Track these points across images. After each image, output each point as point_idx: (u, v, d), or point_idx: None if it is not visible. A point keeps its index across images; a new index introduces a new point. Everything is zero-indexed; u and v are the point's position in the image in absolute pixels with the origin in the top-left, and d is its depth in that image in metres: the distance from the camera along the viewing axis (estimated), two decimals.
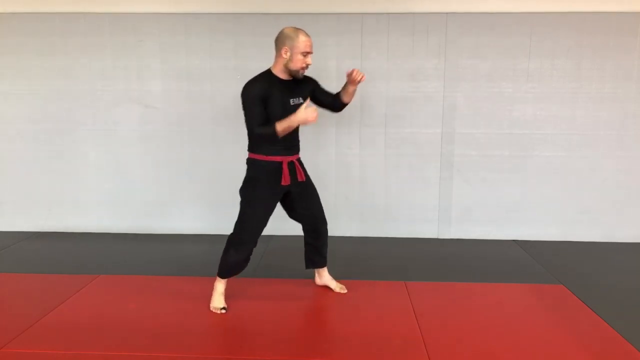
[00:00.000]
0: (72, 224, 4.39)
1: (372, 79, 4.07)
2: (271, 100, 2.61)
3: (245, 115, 2.64)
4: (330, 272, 3.13)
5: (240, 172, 4.09)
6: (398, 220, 4.26)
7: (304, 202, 2.87)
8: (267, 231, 2.85)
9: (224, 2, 4.05)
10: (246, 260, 2.79)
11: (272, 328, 2.62)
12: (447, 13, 3.99)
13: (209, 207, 4.31)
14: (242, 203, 2.76)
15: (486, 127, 4.10)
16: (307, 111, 2.58)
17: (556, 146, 4.09)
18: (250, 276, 3.14)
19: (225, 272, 2.81)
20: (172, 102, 4.18)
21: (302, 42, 2.61)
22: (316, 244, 2.98)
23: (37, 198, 4.36)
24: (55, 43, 4.14)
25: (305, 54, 2.63)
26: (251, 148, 2.78)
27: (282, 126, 2.57)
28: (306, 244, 3.01)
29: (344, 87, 2.84)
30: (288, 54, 2.62)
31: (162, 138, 4.23)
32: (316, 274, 3.11)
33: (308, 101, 2.70)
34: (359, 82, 2.77)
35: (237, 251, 2.74)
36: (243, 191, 2.77)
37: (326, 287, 3.09)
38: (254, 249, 2.79)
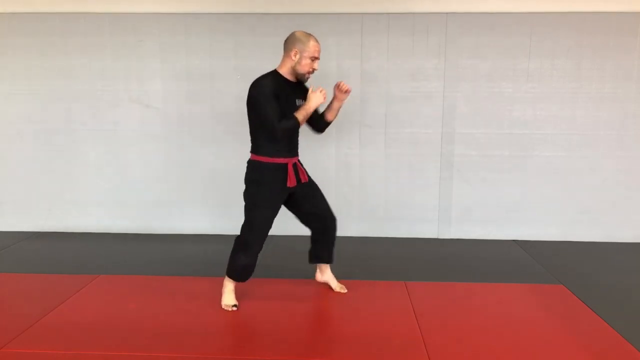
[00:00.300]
0: (72, 224, 4.39)
1: (372, 79, 4.08)
2: (280, 98, 2.63)
3: (260, 113, 2.62)
4: (332, 272, 3.13)
5: (240, 171, 4.07)
6: (398, 220, 4.27)
7: (310, 202, 2.88)
8: None
9: (224, 2, 4.05)
10: (254, 264, 2.79)
11: (272, 328, 2.62)
12: (447, 13, 3.99)
13: (209, 207, 4.31)
14: (247, 206, 2.76)
15: (486, 127, 4.10)
16: (317, 94, 2.65)
17: (556, 146, 4.09)
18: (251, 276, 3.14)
19: (234, 275, 2.81)
20: (172, 102, 4.18)
21: (312, 46, 2.65)
22: (324, 240, 2.97)
23: (37, 198, 4.36)
24: (55, 43, 4.14)
25: (314, 58, 2.68)
26: (254, 149, 2.77)
27: (301, 115, 2.62)
28: (313, 240, 3.00)
29: (329, 105, 2.87)
30: (297, 56, 2.66)
31: (162, 138, 4.23)
32: (318, 270, 3.09)
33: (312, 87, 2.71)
34: (346, 92, 2.80)
35: (246, 254, 2.75)
36: (247, 194, 2.77)
37: (326, 286, 3.09)
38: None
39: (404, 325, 2.64)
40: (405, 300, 2.94)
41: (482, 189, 4.17)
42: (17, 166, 4.32)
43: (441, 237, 4.27)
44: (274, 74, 2.72)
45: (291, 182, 2.71)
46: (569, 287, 3.16)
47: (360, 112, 4.11)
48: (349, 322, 2.72)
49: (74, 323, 2.64)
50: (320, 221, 2.93)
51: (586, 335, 2.56)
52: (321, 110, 2.90)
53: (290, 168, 2.72)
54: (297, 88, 2.74)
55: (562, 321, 2.70)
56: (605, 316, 2.74)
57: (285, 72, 2.71)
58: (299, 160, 2.85)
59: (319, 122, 2.89)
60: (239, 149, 4.19)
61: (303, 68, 2.67)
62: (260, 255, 2.80)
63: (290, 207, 2.91)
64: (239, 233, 2.79)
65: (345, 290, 3.04)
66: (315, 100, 2.65)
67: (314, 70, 2.71)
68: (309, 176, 2.89)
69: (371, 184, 4.23)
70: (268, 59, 4.04)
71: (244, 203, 2.77)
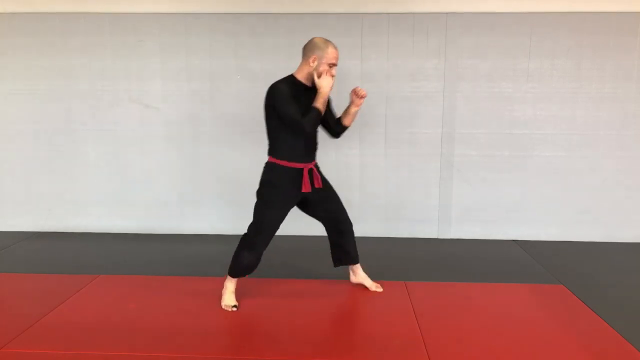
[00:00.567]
0: (72, 224, 4.39)
1: (372, 79, 4.08)
2: (297, 102, 2.64)
3: (283, 114, 2.62)
4: (332, 272, 3.13)
5: (240, 171, 4.09)
6: (398, 220, 4.27)
7: (323, 206, 2.90)
8: None
9: (224, 2, 4.05)
10: (257, 262, 2.82)
11: (272, 328, 2.62)
12: (447, 13, 3.99)
13: (208, 207, 4.31)
14: (258, 205, 2.77)
15: (486, 127, 4.10)
16: (325, 77, 2.66)
17: (556, 146, 4.09)
18: (250, 276, 3.14)
19: (236, 272, 2.83)
20: (172, 102, 4.18)
21: (330, 53, 2.68)
22: (340, 243, 3.00)
23: (37, 198, 4.36)
24: (55, 43, 4.14)
25: (332, 65, 2.69)
26: (272, 152, 2.78)
27: (319, 102, 2.64)
28: (331, 243, 3.04)
29: (346, 110, 2.88)
30: (315, 62, 2.68)
31: (162, 138, 4.23)
32: (351, 273, 3.13)
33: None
34: (362, 97, 2.82)
35: (250, 253, 2.77)
36: (260, 194, 2.78)
37: (335, 287, 3.10)
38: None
39: (404, 325, 2.64)
40: (405, 300, 2.94)
41: (482, 189, 4.18)
42: (17, 166, 4.33)
43: (441, 237, 4.27)
44: (290, 78, 2.74)
45: (306, 188, 2.73)
46: (569, 287, 3.16)
47: (360, 112, 4.09)
48: (349, 322, 2.72)
49: (74, 323, 2.63)
50: (335, 225, 2.96)
51: (586, 335, 2.56)
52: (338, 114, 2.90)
53: (305, 173, 2.73)
54: (313, 93, 2.73)
55: (562, 321, 2.69)
56: (605, 316, 2.74)
57: (302, 77, 2.73)
58: (316, 165, 2.87)
59: (336, 127, 2.91)
60: (238, 149, 4.21)
61: (326, 73, 2.68)
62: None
63: (306, 211, 2.94)
64: (243, 232, 2.80)
65: (381, 289, 3.05)
66: (326, 84, 2.65)
67: (332, 77, 2.72)
68: (325, 180, 2.92)
69: (371, 184, 4.23)
70: (268, 59, 4.08)
71: (255, 202, 2.79)
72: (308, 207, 2.91)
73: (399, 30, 4.02)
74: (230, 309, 2.79)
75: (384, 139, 4.16)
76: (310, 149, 2.81)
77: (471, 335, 2.53)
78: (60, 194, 4.34)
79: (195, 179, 4.28)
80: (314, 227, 4.09)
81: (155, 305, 2.85)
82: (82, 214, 4.37)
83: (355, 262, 3.08)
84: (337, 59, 2.71)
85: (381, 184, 4.23)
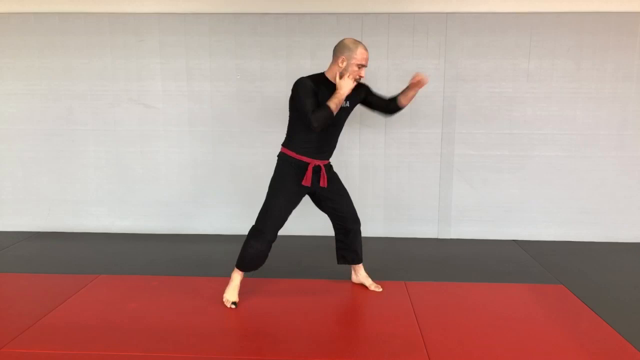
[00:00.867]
0: (72, 224, 4.39)
1: (372, 79, 4.07)
2: (319, 97, 2.66)
3: (299, 106, 2.66)
4: (332, 272, 3.13)
5: (239, 171, 4.09)
6: (398, 220, 4.27)
7: (331, 205, 2.93)
8: None
9: (224, 2, 4.05)
10: (265, 253, 2.82)
11: (272, 328, 2.62)
12: (447, 13, 3.99)
13: (208, 207, 4.30)
14: (269, 194, 2.82)
15: (486, 127, 4.10)
16: (347, 79, 2.65)
17: (556, 146, 4.09)
18: (250, 276, 3.14)
19: (243, 263, 2.84)
20: (172, 102, 4.18)
21: (359, 54, 2.70)
22: (346, 241, 3.03)
23: (37, 198, 4.36)
24: (55, 43, 4.14)
25: (361, 66, 2.71)
26: (286, 143, 2.84)
27: (333, 103, 2.63)
28: (336, 240, 3.06)
29: (404, 91, 2.92)
30: (344, 63, 2.70)
31: (162, 138, 4.23)
32: (352, 272, 3.16)
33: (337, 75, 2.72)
34: (423, 85, 2.85)
35: (257, 241, 2.78)
36: (272, 183, 2.84)
37: (335, 286, 3.10)
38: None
39: (404, 325, 2.64)
40: (405, 300, 2.94)
41: (482, 189, 4.18)
42: (17, 166, 4.33)
43: (441, 237, 4.27)
44: (320, 75, 2.78)
45: (306, 182, 2.75)
46: (569, 287, 3.16)
47: (360, 112, 4.11)
48: (349, 322, 2.72)
49: (74, 323, 2.64)
50: (341, 223, 2.98)
51: (586, 335, 2.56)
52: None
53: (309, 169, 2.75)
54: None
55: (562, 321, 2.70)
56: (605, 316, 2.74)
57: (331, 76, 2.76)
58: (327, 165, 2.89)
59: (388, 106, 2.97)
60: (238, 149, 4.21)
61: (350, 75, 2.69)
62: None
63: (316, 204, 2.99)
64: (243, 232, 2.81)
65: (380, 289, 3.07)
66: (346, 86, 2.65)
67: (360, 77, 2.73)
68: (337, 180, 2.96)
69: (371, 184, 4.23)
70: (268, 59, 4.09)
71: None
72: (317, 203, 2.97)
73: (399, 30, 4.02)
74: (229, 305, 2.80)
75: (384, 139, 4.16)
76: (323, 147, 2.82)
77: (471, 335, 2.53)
78: (60, 194, 4.34)
79: (195, 179, 4.28)
80: (315, 227, 4.12)
81: (155, 305, 2.86)
82: (82, 214, 4.37)
83: (358, 262, 3.10)
84: (366, 60, 2.72)
85: (381, 184, 4.23)
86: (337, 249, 3.08)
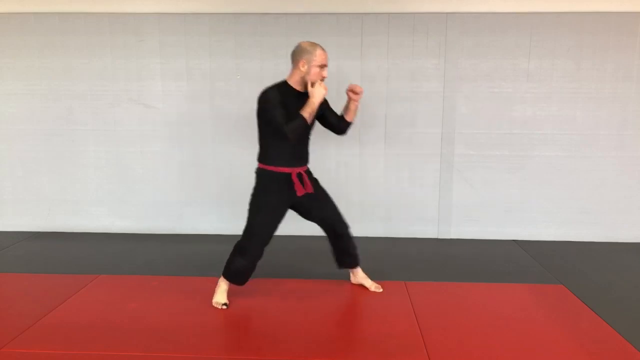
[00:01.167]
0: (72, 224, 4.39)
1: (372, 79, 4.08)
2: (287, 107, 2.65)
3: (269, 120, 2.65)
4: (332, 272, 3.13)
5: (239, 171, 4.09)
6: (398, 220, 4.27)
7: (316, 212, 2.92)
8: None
9: (224, 2, 4.05)
10: (251, 269, 2.82)
11: (271, 328, 2.62)
12: (447, 13, 3.99)
13: (208, 207, 4.31)
14: (250, 211, 2.80)
15: (486, 127, 4.10)
16: (319, 87, 2.66)
17: (556, 146, 4.09)
18: (250, 276, 3.14)
19: (229, 276, 2.85)
20: (172, 102, 4.18)
21: (319, 55, 2.69)
22: (340, 246, 3.02)
23: (37, 198, 4.36)
24: (55, 43, 4.14)
25: (322, 66, 2.71)
26: (261, 158, 2.81)
27: (306, 112, 2.63)
28: (332, 245, 3.05)
29: (346, 106, 2.91)
30: (305, 66, 2.69)
31: (162, 138, 4.23)
32: (351, 274, 3.16)
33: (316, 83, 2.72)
34: (358, 94, 2.83)
35: (243, 257, 2.78)
36: (251, 199, 2.81)
37: (335, 287, 3.09)
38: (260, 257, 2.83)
39: (404, 325, 2.64)
40: (405, 300, 2.94)
41: (482, 189, 4.17)
42: (17, 166, 4.33)
43: (441, 237, 4.27)
44: (282, 84, 2.76)
45: (299, 192, 2.75)
46: (569, 287, 3.16)
47: (360, 112, 4.09)
48: (349, 322, 2.72)
49: (74, 323, 2.64)
50: (330, 228, 2.97)
51: (586, 335, 2.56)
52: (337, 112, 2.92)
53: (294, 178, 2.74)
54: (305, 98, 2.73)
55: (562, 321, 2.70)
56: (605, 316, 2.74)
57: (294, 82, 2.75)
58: (306, 171, 2.88)
59: (339, 124, 2.95)
60: (238, 149, 4.20)
61: (313, 77, 2.69)
62: None
63: (301, 215, 2.96)
64: (240, 234, 2.80)
65: (381, 290, 3.07)
66: (318, 93, 2.66)
67: (323, 78, 2.73)
68: (318, 185, 2.93)
69: (371, 184, 4.23)
70: (268, 59, 4.09)
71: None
72: (302, 212, 2.93)
73: (399, 30, 4.02)
74: (220, 307, 2.81)
75: (383, 139, 4.16)
76: (299, 154, 2.82)
77: (471, 335, 2.54)
78: (60, 194, 4.34)
79: (195, 179, 4.28)
80: (314, 227, 4.10)
81: (155, 305, 2.86)
82: (82, 214, 4.37)
83: (356, 266, 3.10)
84: (326, 59, 2.72)
85: (381, 184, 4.23)
86: (334, 254, 3.07)
